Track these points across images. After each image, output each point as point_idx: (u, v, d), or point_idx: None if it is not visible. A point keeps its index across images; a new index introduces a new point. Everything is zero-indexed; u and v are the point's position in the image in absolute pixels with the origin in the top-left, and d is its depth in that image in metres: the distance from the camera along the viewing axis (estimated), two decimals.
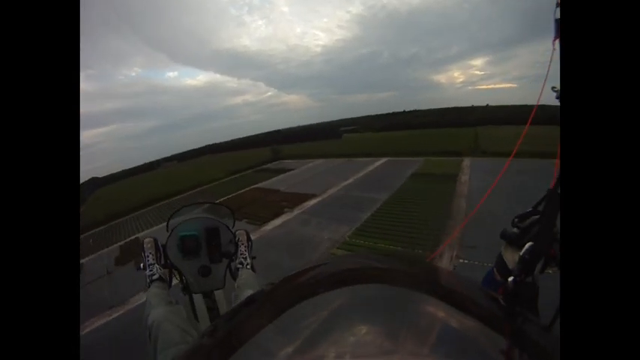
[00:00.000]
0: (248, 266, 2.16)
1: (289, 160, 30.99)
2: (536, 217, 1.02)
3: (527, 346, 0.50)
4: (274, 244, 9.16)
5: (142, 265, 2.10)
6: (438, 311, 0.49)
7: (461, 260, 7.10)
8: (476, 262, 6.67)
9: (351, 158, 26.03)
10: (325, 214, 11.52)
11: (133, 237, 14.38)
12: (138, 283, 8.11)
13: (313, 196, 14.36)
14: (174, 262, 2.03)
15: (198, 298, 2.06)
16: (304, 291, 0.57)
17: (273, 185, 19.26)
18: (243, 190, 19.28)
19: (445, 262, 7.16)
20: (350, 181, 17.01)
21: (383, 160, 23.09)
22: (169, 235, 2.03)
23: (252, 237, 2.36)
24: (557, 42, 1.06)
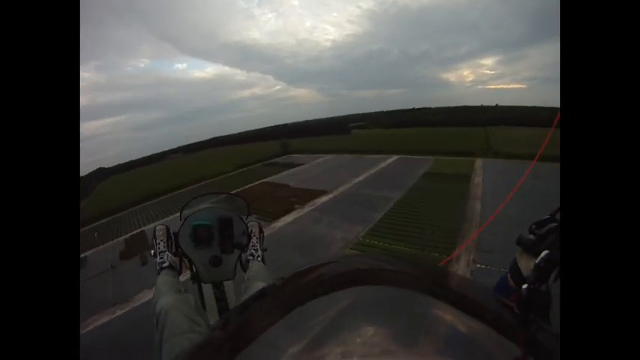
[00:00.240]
0: (259, 258, 2.16)
1: (298, 155, 30.81)
2: (554, 224, 0.99)
3: (541, 354, 0.48)
4: (285, 243, 8.96)
5: (152, 252, 2.10)
6: (450, 316, 0.48)
7: (478, 265, 6.95)
8: (492, 268, 6.53)
9: (360, 154, 25.83)
10: (337, 212, 11.28)
11: (138, 230, 14.20)
12: (143, 280, 8.04)
13: (324, 192, 14.13)
14: (185, 250, 2.02)
15: (206, 288, 2.06)
16: (316, 288, 0.56)
17: (283, 180, 19.04)
18: (251, 185, 19.09)
19: (462, 266, 7.02)
20: (361, 178, 16.78)
21: (394, 157, 22.83)
22: (182, 224, 2.01)
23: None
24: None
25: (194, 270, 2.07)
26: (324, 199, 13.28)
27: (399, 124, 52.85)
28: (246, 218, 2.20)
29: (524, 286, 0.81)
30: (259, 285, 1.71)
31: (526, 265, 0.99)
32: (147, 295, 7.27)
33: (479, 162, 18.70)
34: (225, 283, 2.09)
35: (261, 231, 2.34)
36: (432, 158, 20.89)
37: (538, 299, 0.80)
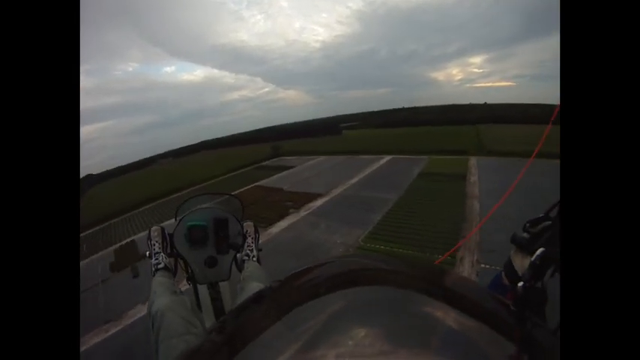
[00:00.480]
0: (254, 258, 2.16)
1: (290, 157, 30.48)
2: (548, 222, 1.01)
3: (537, 351, 0.47)
4: (283, 249, 8.60)
5: (147, 253, 2.08)
6: (446, 315, 0.46)
7: (482, 265, 6.89)
8: (497, 267, 6.27)
9: (353, 155, 25.62)
10: (334, 215, 10.97)
11: (128, 239, 13.59)
12: (136, 293, 7.58)
13: (319, 195, 13.82)
14: (180, 251, 1.99)
15: (202, 289, 2.05)
16: (312, 290, 0.54)
17: (275, 183, 18.63)
18: (243, 189, 18.60)
19: (467, 267, 6.93)
20: (355, 179, 16.51)
21: (387, 157, 22.67)
22: (177, 225, 1.97)
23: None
24: None
25: (189, 271, 2.03)
26: (319, 202, 12.96)
27: (389, 124, 53.15)
28: (241, 218, 2.15)
29: (520, 284, 0.80)
30: (255, 285, 1.75)
31: (521, 263, 1.01)
32: (141, 311, 6.90)
33: (473, 160, 18.59)
34: (221, 283, 2.08)
35: (256, 231, 2.34)
36: (426, 158, 20.76)
37: (533, 297, 0.81)
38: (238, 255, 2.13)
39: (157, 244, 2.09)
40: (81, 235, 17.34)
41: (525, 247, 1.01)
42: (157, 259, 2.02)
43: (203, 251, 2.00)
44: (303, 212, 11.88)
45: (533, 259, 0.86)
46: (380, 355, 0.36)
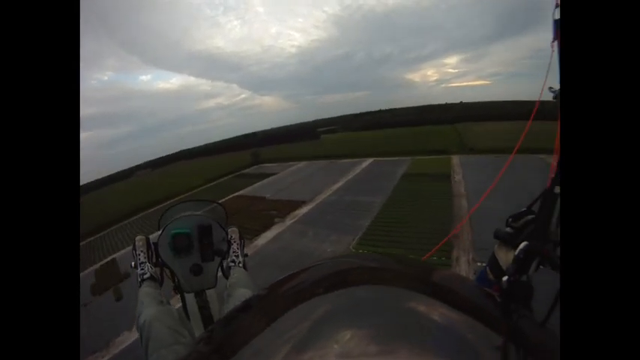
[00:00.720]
0: (240, 264, 2.09)
1: (270, 164, 29.95)
2: (531, 216, 1.03)
3: (525, 343, 0.48)
4: (270, 262, 8.14)
5: (133, 263, 2.01)
6: (434, 309, 0.47)
7: (479, 263, 6.86)
8: None
9: (333, 160, 25.41)
10: (321, 222, 10.61)
11: (109, 258, 12.64)
12: (121, 319, 6.95)
13: (303, 202, 13.46)
14: (165, 260, 1.95)
15: (190, 298, 1.99)
16: (299, 295, 0.53)
17: (257, 192, 18.12)
18: (225, 199, 18.00)
19: (464, 267, 6.86)
20: (339, 184, 16.23)
21: (369, 160, 22.53)
22: (161, 233, 1.92)
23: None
24: (557, 43, 1.05)
25: (176, 280, 1.98)
26: (304, 209, 12.58)
27: (368, 127, 53.45)
28: (225, 224, 2.13)
29: (505, 278, 0.75)
30: (242, 292, 1.72)
31: (505, 257, 1.03)
32: (129, 338, 6.39)
33: (455, 159, 18.62)
34: (208, 291, 2.02)
35: (241, 237, 2.25)
36: (408, 159, 20.71)
37: (519, 290, 0.77)
38: (224, 262, 2.07)
39: (142, 254, 2.01)
40: None
41: (509, 242, 1.02)
42: (142, 269, 1.94)
43: (188, 259, 1.95)
44: (288, 221, 11.48)
45: (517, 252, 0.84)
46: (372, 351, 0.36)
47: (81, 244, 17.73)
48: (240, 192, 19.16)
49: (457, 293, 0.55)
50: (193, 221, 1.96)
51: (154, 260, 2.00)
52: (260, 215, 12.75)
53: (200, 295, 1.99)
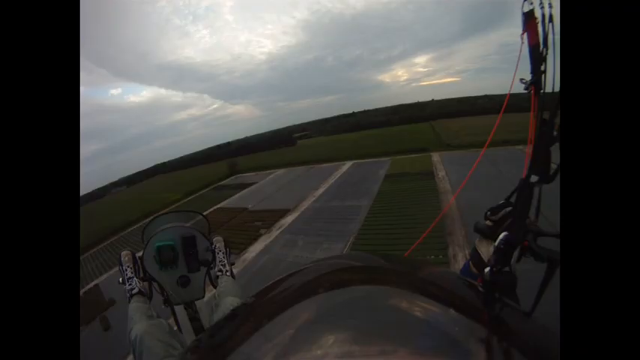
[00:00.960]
0: (227, 273, 2.14)
1: (248, 174, 29.29)
2: (509, 208, 1.04)
3: (508, 331, 0.51)
4: (264, 277, 7.68)
5: (120, 279, 2.05)
6: (418, 304, 0.49)
7: None
8: None
9: (312, 165, 25.14)
10: (310, 230, 10.29)
11: (91, 284, 11.56)
12: (113, 352, 6.31)
13: (288, 211, 13.09)
14: (152, 273, 1.98)
15: (180, 310, 2.04)
16: (286, 300, 0.56)
17: (238, 203, 17.57)
18: (206, 212, 17.20)
19: (461, 264, 6.68)
20: (322, 190, 15.95)
21: (348, 163, 22.38)
22: (145, 246, 1.96)
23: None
24: (526, 35, 1.05)
25: (164, 293, 2.01)
26: (289, 218, 12.21)
27: (343, 129, 53.73)
28: (209, 233, 2.17)
29: (487, 269, 0.80)
30: (230, 300, 1.74)
31: (486, 250, 1.05)
32: None
33: (435, 156, 18.71)
34: (198, 302, 2.06)
35: (226, 245, 2.32)
36: (388, 159, 20.69)
37: (502, 281, 0.80)
38: (212, 271, 2.12)
39: (128, 269, 2.03)
40: None
41: (489, 235, 1.05)
42: (130, 284, 1.97)
43: (174, 271, 1.97)
44: (275, 231, 11.07)
45: (496, 243, 0.85)
46: (358, 351, 0.37)
47: None
48: (221, 204, 18.54)
49: (440, 286, 0.58)
50: (176, 232, 1.97)
51: (141, 274, 2.02)
52: (244, 227, 12.30)
53: (190, 306, 2.03)
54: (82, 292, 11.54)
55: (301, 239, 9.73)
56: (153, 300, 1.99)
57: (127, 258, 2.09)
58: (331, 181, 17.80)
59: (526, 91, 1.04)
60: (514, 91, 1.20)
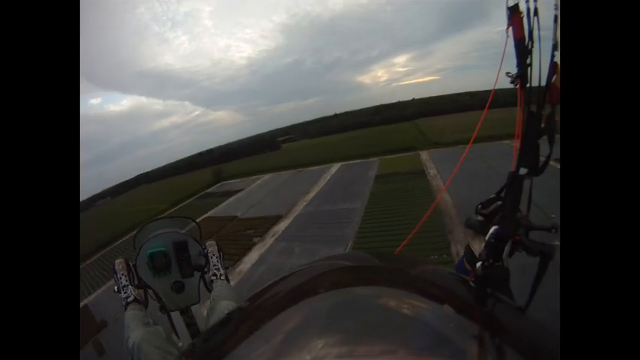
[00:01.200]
0: (222, 277, 2.12)
1: (233, 180, 28.75)
2: (499, 203, 1.04)
3: (501, 327, 0.51)
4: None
5: (115, 288, 2.03)
6: (411, 303, 0.49)
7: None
8: None
9: (299, 168, 24.89)
10: (305, 236, 10.03)
11: (81, 304, 11.15)
12: None
13: (280, 217, 12.78)
14: (146, 281, 1.95)
15: (176, 316, 2.02)
16: (279, 304, 0.55)
17: (227, 211, 17.11)
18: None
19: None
20: (312, 194, 15.70)
21: (336, 165, 22.22)
22: (138, 254, 1.93)
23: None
24: (511, 29, 1.05)
25: (160, 300, 1.99)
26: (283, 224, 11.90)
27: (326, 132, 53.69)
28: (200, 238, 2.15)
29: (479, 264, 0.79)
30: (225, 304, 1.73)
31: (478, 245, 1.04)
32: None
33: (424, 154, 18.74)
34: (194, 307, 2.04)
35: (220, 249, 2.30)
36: (376, 160, 20.61)
37: (495, 275, 0.80)
38: (206, 276, 2.11)
39: (123, 278, 2.03)
40: None
41: (480, 230, 1.06)
42: (125, 292, 1.97)
43: (168, 277, 1.96)
44: (269, 239, 10.72)
45: (487, 237, 0.85)
46: (351, 351, 0.37)
47: None
48: (209, 213, 17.99)
49: (432, 284, 0.58)
50: (168, 238, 1.96)
51: (136, 282, 2.02)
52: (236, 237, 11.90)
53: (186, 312, 2.05)
54: None
55: (298, 246, 9.43)
56: (149, 307, 1.98)
57: (120, 266, 2.08)
58: (321, 184, 17.56)
59: (512, 85, 1.05)
60: (498, 86, 1.21)
